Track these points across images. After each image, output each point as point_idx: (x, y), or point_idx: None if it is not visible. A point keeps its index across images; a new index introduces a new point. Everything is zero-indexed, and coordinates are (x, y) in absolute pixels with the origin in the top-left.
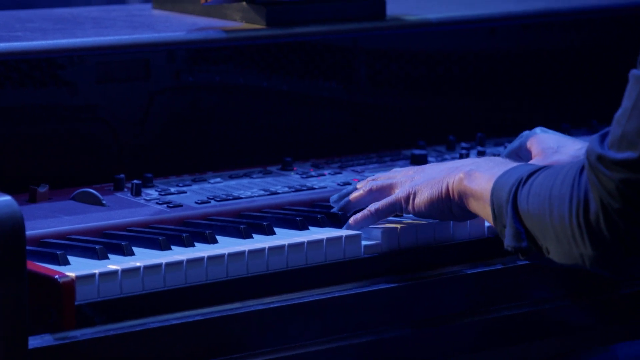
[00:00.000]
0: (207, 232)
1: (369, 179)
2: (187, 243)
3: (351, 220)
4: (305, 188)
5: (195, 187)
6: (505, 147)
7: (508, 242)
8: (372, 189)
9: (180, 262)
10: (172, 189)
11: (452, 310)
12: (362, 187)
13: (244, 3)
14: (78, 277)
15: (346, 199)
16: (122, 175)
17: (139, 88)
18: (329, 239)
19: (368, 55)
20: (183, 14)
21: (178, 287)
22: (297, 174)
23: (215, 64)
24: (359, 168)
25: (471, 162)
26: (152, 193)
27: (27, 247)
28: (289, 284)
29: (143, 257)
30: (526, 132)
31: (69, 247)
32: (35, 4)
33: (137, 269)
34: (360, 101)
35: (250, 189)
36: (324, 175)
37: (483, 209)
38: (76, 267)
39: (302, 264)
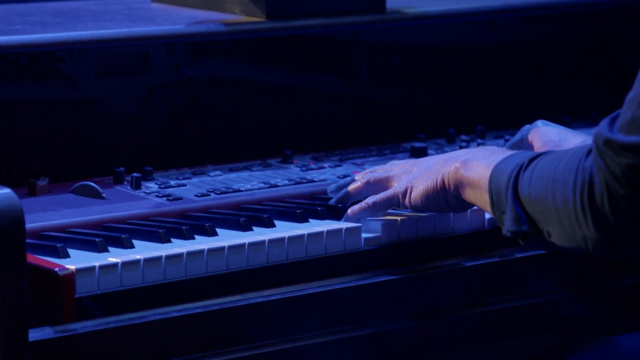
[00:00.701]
0: (207, 224)
1: (366, 171)
2: (187, 236)
3: (349, 211)
4: (305, 181)
5: (195, 180)
6: (506, 140)
7: (508, 226)
8: (370, 181)
9: (180, 255)
10: (172, 182)
11: (452, 303)
12: (360, 179)
13: None
14: (78, 270)
15: (344, 190)
16: (122, 169)
17: (139, 81)
18: (329, 232)
19: (368, 48)
20: (182, 7)
21: (178, 280)
22: (297, 166)
23: (214, 57)
24: (358, 161)
25: (467, 152)
26: (152, 186)
27: (27, 240)
28: (289, 276)
29: (143, 250)
30: (527, 126)
31: (69, 240)
32: None
33: (137, 261)
34: (361, 94)
35: (250, 182)
36: (323, 168)
37: (480, 197)
38: (76, 260)
39: (302, 256)
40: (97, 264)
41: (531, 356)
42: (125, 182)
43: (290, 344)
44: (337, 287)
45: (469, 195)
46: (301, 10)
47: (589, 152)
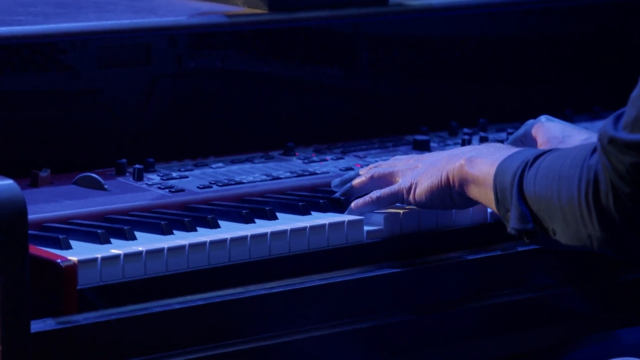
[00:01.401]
0: (209, 216)
1: (371, 165)
2: (190, 228)
3: (352, 204)
4: (307, 173)
5: (197, 172)
6: (508, 133)
7: (513, 224)
8: (374, 176)
9: (182, 247)
10: (174, 174)
11: (454, 296)
12: (364, 174)
13: None
14: (80, 262)
15: (349, 184)
16: (124, 160)
17: (141, 73)
18: (331, 224)
19: (370, 41)
20: None
21: (180, 272)
22: (299, 159)
23: (216, 48)
24: (361, 153)
25: (471, 149)
26: (154, 178)
27: (29, 232)
28: (291, 269)
29: (145, 242)
30: (531, 121)
31: (71, 232)
32: None
33: (139, 253)
34: (363, 87)
35: (252, 174)
36: (326, 160)
37: (485, 195)
38: (78, 252)
39: (304, 249)
40: (99, 255)
41: (533, 350)
42: (127, 174)
43: (292, 336)
44: (339, 279)
45: (474, 192)
46: (303, 2)
47: (594, 150)
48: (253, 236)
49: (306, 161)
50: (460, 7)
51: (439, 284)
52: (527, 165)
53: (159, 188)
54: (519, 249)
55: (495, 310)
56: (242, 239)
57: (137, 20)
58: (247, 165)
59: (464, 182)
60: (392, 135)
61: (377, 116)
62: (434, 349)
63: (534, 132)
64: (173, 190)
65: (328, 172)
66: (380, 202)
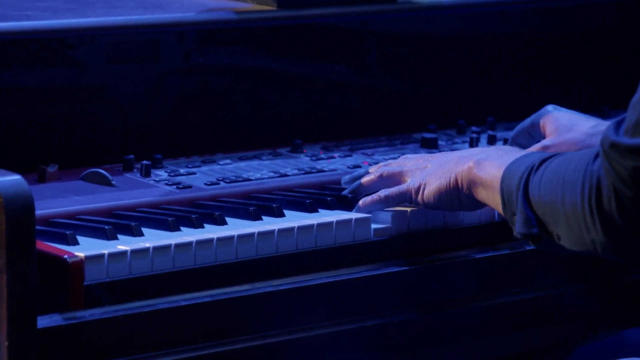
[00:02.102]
0: (216, 213)
1: (381, 164)
2: (197, 224)
3: (360, 202)
4: (315, 170)
5: (204, 168)
6: None
7: (518, 229)
8: (383, 175)
9: (189, 244)
10: (182, 170)
11: (461, 295)
12: (373, 172)
13: None
14: (87, 257)
15: (358, 182)
16: (132, 156)
17: (149, 69)
18: (338, 222)
19: (379, 38)
20: None
21: (187, 268)
22: (307, 156)
23: (225, 45)
24: (369, 151)
25: (480, 151)
26: (162, 174)
27: (37, 227)
28: (298, 266)
29: (152, 238)
30: (538, 111)
31: (78, 227)
32: None
33: (146, 249)
34: (371, 84)
35: (259, 171)
36: (333, 157)
37: (492, 198)
38: (85, 247)
39: (311, 246)
40: (106, 251)
41: (538, 349)
42: (135, 170)
43: (298, 334)
44: (346, 277)
45: (482, 195)
46: None
47: (597, 155)
48: (260, 233)
49: (314, 158)
50: (468, 5)
51: (446, 282)
52: (532, 170)
53: (167, 184)
54: (527, 247)
55: (501, 309)
56: (250, 236)
57: (146, 16)
58: (254, 162)
59: (472, 185)
60: (400, 132)
61: (385, 113)
62: (440, 348)
63: (542, 122)
64: (180, 186)
65: (336, 170)
66: (388, 201)
